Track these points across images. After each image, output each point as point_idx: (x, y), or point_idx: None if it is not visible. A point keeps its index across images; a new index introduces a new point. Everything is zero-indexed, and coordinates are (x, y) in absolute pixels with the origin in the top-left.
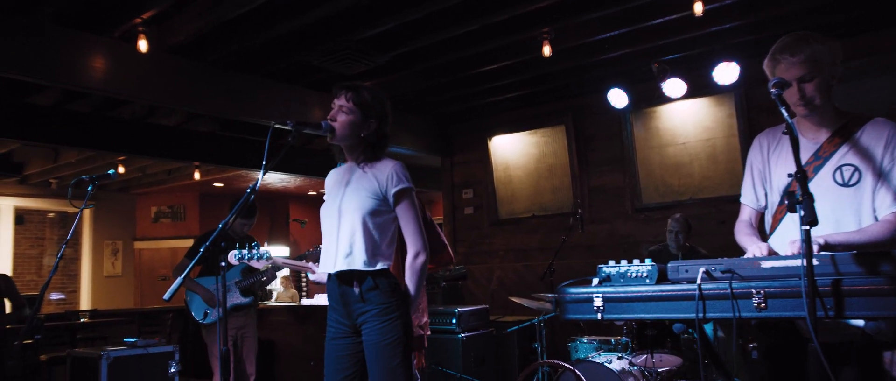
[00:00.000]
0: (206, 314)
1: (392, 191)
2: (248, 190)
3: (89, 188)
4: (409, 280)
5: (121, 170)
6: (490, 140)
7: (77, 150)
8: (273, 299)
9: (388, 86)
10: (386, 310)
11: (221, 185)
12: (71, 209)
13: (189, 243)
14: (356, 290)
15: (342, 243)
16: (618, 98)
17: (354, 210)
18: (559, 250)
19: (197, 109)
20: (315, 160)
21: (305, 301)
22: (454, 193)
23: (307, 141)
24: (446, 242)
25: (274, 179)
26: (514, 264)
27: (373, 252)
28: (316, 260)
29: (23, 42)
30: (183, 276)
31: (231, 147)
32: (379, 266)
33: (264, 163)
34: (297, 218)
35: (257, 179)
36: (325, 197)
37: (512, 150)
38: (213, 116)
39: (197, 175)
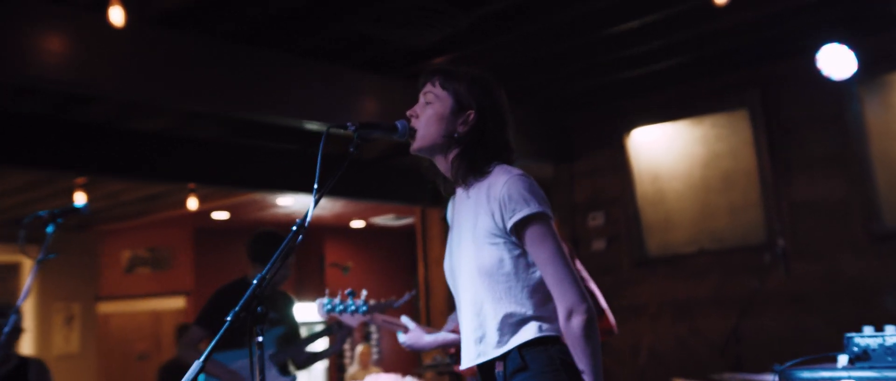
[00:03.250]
0: None
1: (510, 222)
2: (295, 227)
3: (49, 229)
4: (575, 354)
5: (82, 198)
6: (628, 136)
7: (22, 170)
8: None
9: (474, 61)
10: None
11: (226, 215)
12: (20, 259)
13: (179, 302)
14: (498, 371)
15: (468, 322)
16: (836, 61)
17: (467, 267)
18: (749, 305)
19: (194, 105)
20: (364, 174)
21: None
22: (575, 218)
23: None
24: (605, 304)
25: (300, 204)
26: (672, 325)
27: (512, 322)
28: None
29: None
30: (204, 357)
31: (242, 160)
32: (525, 336)
33: (316, 186)
34: (336, 262)
35: (308, 211)
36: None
37: (664, 150)
38: (217, 116)
39: (192, 203)
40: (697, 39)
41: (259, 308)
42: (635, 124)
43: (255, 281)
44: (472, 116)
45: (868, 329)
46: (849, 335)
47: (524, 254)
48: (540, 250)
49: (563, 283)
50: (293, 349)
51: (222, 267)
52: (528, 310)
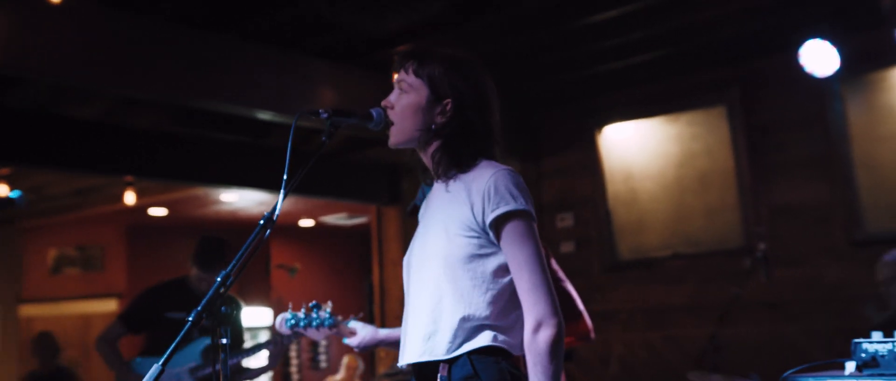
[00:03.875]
0: None
1: (490, 216)
2: (262, 221)
3: None
4: (533, 370)
5: (4, 191)
6: (600, 133)
7: None
8: None
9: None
10: None
11: (164, 212)
12: None
13: (111, 304)
14: (441, 375)
15: (419, 315)
16: (818, 58)
17: (432, 257)
18: (726, 312)
19: (134, 90)
20: (317, 170)
21: None
22: (543, 219)
23: (304, 139)
24: (582, 307)
25: (245, 201)
26: (645, 333)
27: (469, 326)
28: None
29: None
30: (163, 359)
31: (186, 152)
32: (478, 343)
33: (285, 177)
34: (283, 263)
35: (276, 204)
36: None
37: (637, 148)
38: (158, 102)
39: (129, 197)
40: (675, 33)
41: (223, 309)
42: (607, 121)
43: (218, 279)
44: (449, 106)
45: (877, 335)
46: (856, 341)
47: (496, 255)
48: (518, 251)
49: (536, 291)
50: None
51: (158, 268)
52: (487, 316)
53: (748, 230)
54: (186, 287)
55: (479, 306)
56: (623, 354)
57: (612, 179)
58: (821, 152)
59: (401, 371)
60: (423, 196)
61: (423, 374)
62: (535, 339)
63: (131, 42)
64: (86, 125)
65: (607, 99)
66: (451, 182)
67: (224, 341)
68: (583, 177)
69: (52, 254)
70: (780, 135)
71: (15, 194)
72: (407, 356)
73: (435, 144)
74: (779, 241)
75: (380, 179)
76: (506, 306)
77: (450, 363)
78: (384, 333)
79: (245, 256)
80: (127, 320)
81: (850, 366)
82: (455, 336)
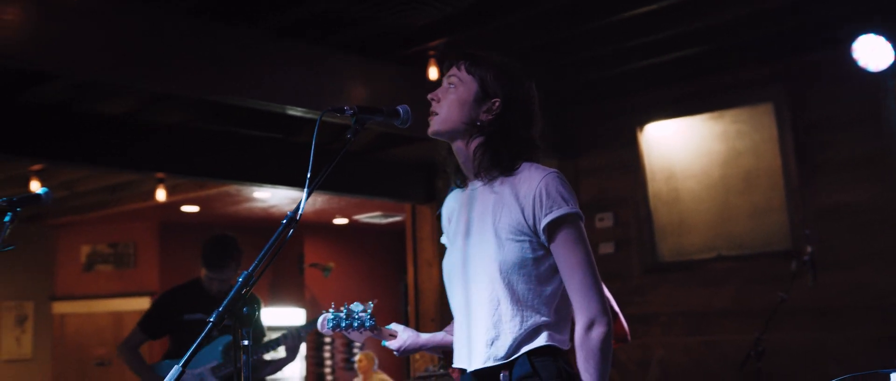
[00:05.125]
0: None
1: (543, 220)
2: (285, 220)
3: (6, 218)
4: (585, 368)
5: (35, 187)
6: (641, 131)
7: None
8: None
9: (472, 44)
10: None
11: (196, 209)
12: None
13: (144, 302)
14: (503, 374)
15: (478, 322)
16: (874, 51)
17: (485, 262)
18: (772, 316)
19: (162, 86)
20: (350, 167)
21: None
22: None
23: (334, 136)
24: (617, 308)
25: (278, 198)
26: (685, 338)
27: (527, 328)
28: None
29: None
30: (183, 361)
31: (217, 148)
32: (536, 344)
33: (309, 176)
34: (316, 262)
35: (300, 203)
36: (444, 240)
37: (679, 147)
38: (188, 99)
39: (160, 194)
40: (719, 27)
41: (245, 310)
42: (649, 119)
43: (240, 279)
44: (497, 105)
45: None
46: None
47: (547, 257)
48: (570, 254)
49: (588, 291)
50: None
51: (191, 266)
52: (543, 316)
53: (795, 232)
54: (200, 289)
55: (535, 308)
56: (663, 358)
57: (653, 178)
58: (872, 152)
59: (433, 374)
60: (453, 199)
61: (484, 378)
62: (589, 337)
63: (158, 36)
64: (115, 121)
65: (648, 96)
66: (497, 184)
67: (246, 342)
68: (623, 176)
69: (84, 251)
70: (830, 133)
71: (42, 190)
72: (473, 363)
73: (477, 140)
74: (827, 244)
75: (415, 177)
76: (559, 307)
77: (510, 365)
78: (425, 337)
79: (268, 256)
80: (146, 326)
81: (895, 377)
82: (515, 340)
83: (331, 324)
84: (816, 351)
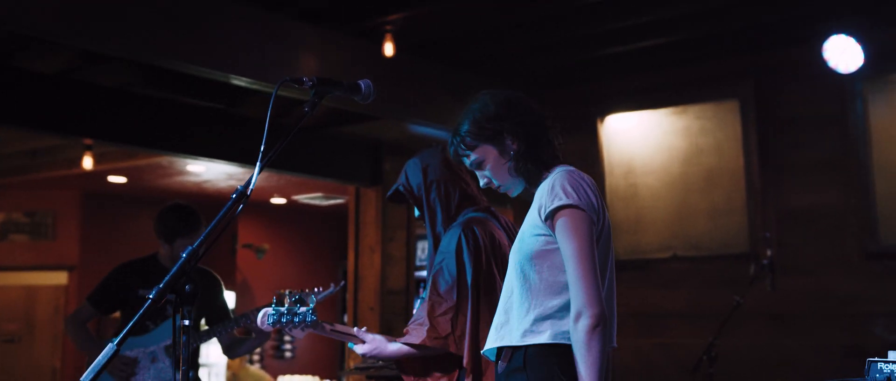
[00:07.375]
0: None
1: (545, 211)
2: (235, 194)
3: None
4: (576, 357)
5: None
6: (601, 122)
7: None
8: None
9: (424, 25)
10: None
11: (123, 179)
12: None
13: (61, 277)
14: (500, 367)
15: (498, 307)
16: (843, 52)
17: (513, 254)
18: (727, 320)
19: (98, 44)
20: (295, 144)
21: None
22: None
23: (283, 110)
24: None
25: (213, 172)
26: (637, 340)
27: (532, 317)
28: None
29: None
30: (118, 340)
31: (152, 115)
32: (540, 338)
33: (263, 149)
34: (250, 243)
35: (251, 178)
36: None
37: (640, 141)
38: (124, 60)
39: (87, 162)
40: (688, 17)
41: (187, 287)
42: (610, 109)
43: (183, 255)
44: (512, 144)
45: (893, 354)
46: (871, 359)
47: (558, 250)
48: (566, 244)
49: (579, 282)
50: (218, 329)
51: (114, 240)
52: (549, 309)
53: (754, 235)
54: (156, 263)
55: (543, 299)
56: (612, 360)
57: (611, 172)
58: (837, 155)
59: (372, 366)
60: None
61: (493, 358)
62: (575, 328)
63: None
64: (44, 80)
65: (611, 86)
66: (535, 191)
67: (186, 322)
68: (580, 168)
69: None
70: (795, 134)
71: None
72: (487, 344)
73: (524, 178)
74: (787, 248)
75: (361, 157)
76: (569, 300)
77: (511, 352)
78: (393, 348)
79: (214, 232)
80: (95, 300)
81: None
82: (520, 327)
83: (271, 320)
84: (772, 358)
